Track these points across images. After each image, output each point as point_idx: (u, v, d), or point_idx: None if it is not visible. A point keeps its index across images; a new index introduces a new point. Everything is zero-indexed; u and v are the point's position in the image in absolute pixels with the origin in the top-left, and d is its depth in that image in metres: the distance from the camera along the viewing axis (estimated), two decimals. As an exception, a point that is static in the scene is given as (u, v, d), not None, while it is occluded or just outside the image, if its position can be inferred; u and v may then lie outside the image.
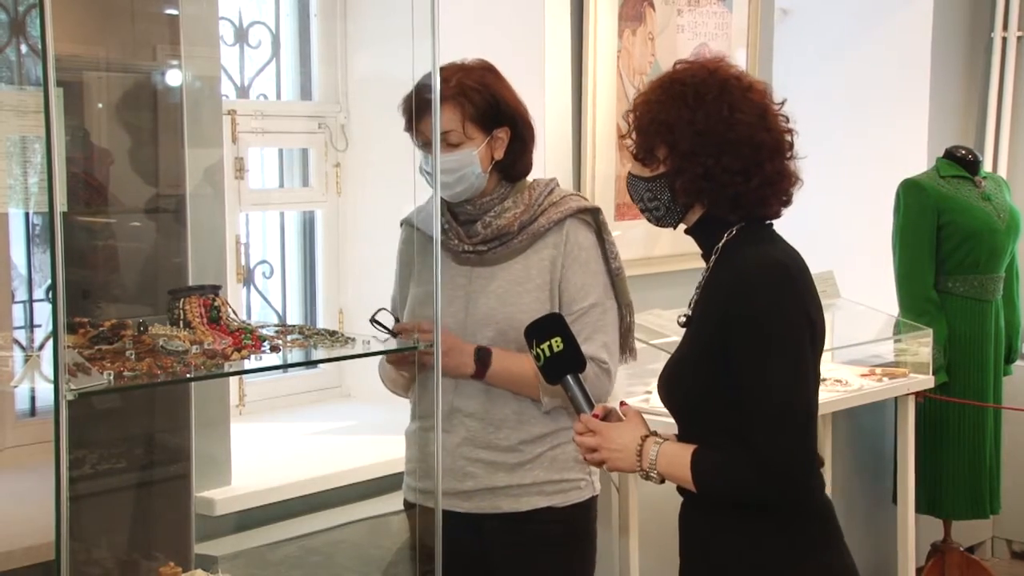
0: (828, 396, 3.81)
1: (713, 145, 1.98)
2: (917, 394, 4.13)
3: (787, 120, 2.06)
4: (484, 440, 2.48)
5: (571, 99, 3.55)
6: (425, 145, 2.43)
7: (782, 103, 2.07)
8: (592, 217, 2.51)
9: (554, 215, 2.48)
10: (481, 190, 2.46)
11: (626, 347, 2.57)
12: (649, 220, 2.11)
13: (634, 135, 2.07)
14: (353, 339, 2.44)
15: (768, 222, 2.07)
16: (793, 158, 2.05)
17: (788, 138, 2.05)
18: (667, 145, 2.01)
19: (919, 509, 4.32)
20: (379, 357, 2.56)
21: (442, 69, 2.42)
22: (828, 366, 4.11)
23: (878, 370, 4.12)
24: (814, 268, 4.64)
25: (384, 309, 2.48)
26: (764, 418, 1.91)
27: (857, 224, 4.92)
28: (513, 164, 2.49)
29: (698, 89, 2.00)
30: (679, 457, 1.98)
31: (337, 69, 3.62)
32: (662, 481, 2.03)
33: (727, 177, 1.98)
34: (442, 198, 2.50)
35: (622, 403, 2.13)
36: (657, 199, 2.05)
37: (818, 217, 4.93)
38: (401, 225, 2.66)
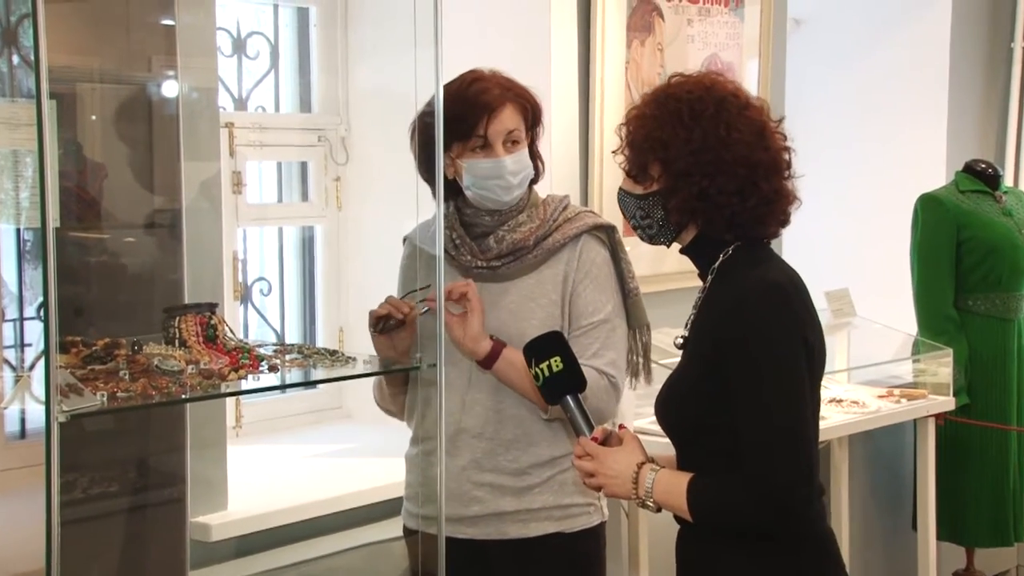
0: (844, 418, 3.80)
1: (709, 165, 1.98)
2: (937, 416, 4.12)
3: (785, 138, 2.06)
4: (491, 463, 2.48)
5: (578, 111, 3.56)
6: (485, 147, 2.44)
7: (780, 120, 2.08)
8: (607, 235, 2.52)
9: (569, 231, 2.49)
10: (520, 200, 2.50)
11: (643, 369, 2.58)
12: (641, 238, 2.12)
13: (626, 151, 2.07)
14: (354, 358, 2.45)
15: (765, 240, 2.07)
16: (791, 177, 2.06)
17: (786, 156, 2.05)
18: (661, 163, 2.02)
19: (940, 536, 4.30)
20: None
21: (473, 73, 2.47)
22: (844, 387, 4.11)
23: (896, 391, 4.11)
24: (828, 285, 4.63)
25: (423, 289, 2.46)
26: (758, 444, 1.91)
27: (873, 240, 4.92)
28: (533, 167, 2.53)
29: (694, 106, 2.00)
30: (675, 485, 1.99)
31: (337, 80, 3.63)
32: (659, 510, 2.03)
33: (723, 198, 1.99)
34: (449, 212, 2.51)
35: (620, 426, 2.13)
36: (649, 217, 2.06)
37: (833, 233, 4.93)
38: (404, 241, 2.66)
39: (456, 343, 2.42)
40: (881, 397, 4.04)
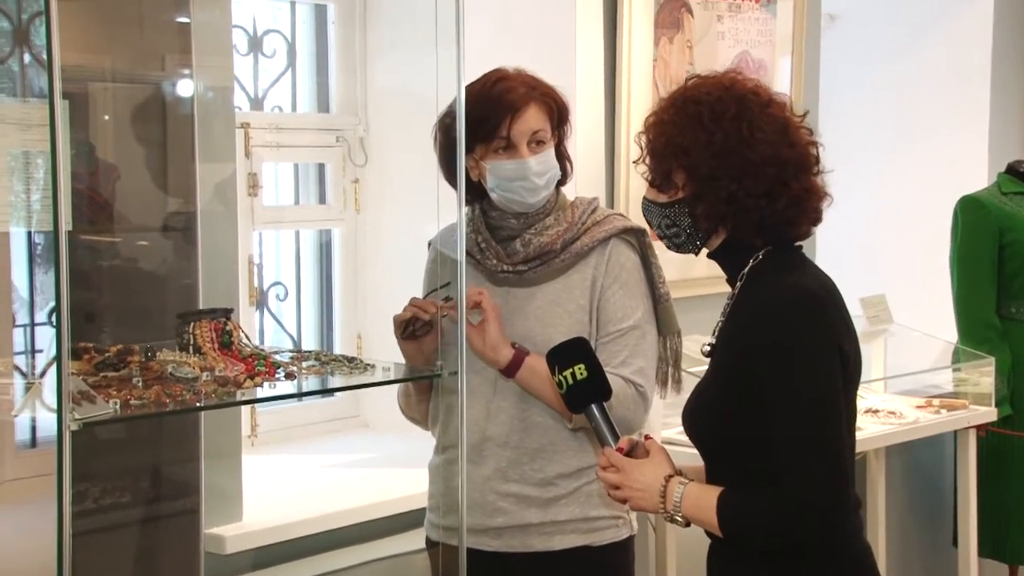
0: (881, 429, 3.78)
1: (734, 167, 1.98)
2: (978, 427, 4.09)
3: (811, 133, 2.06)
4: (516, 473, 2.48)
5: (604, 111, 3.56)
6: (508, 148, 2.46)
7: (804, 115, 2.07)
8: (637, 238, 2.52)
9: (597, 234, 2.50)
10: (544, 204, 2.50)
11: (672, 378, 2.57)
12: (668, 247, 2.11)
13: (648, 159, 2.07)
14: (372, 366, 2.45)
15: (797, 244, 2.07)
16: (820, 173, 2.05)
17: (813, 151, 2.04)
18: (685, 169, 2.01)
19: (982, 552, 4.27)
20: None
21: (497, 72, 2.47)
22: (881, 397, 4.09)
23: (935, 401, 4.09)
24: (864, 291, 4.61)
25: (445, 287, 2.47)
26: (791, 458, 1.90)
27: (911, 244, 4.90)
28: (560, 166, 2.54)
29: (714, 108, 2.00)
30: (704, 500, 1.98)
31: (356, 79, 3.64)
32: (687, 524, 2.03)
33: (751, 200, 1.98)
34: (474, 215, 2.52)
35: (647, 436, 2.13)
36: (676, 225, 2.05)
37: (869, 236, 4.91)
38: (428, 246, 2.67)
39: (476, 353, 2.43)
40: (919, 407, 4.02)
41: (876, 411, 3.91)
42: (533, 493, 2.48)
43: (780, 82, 4.04)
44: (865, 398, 4.06)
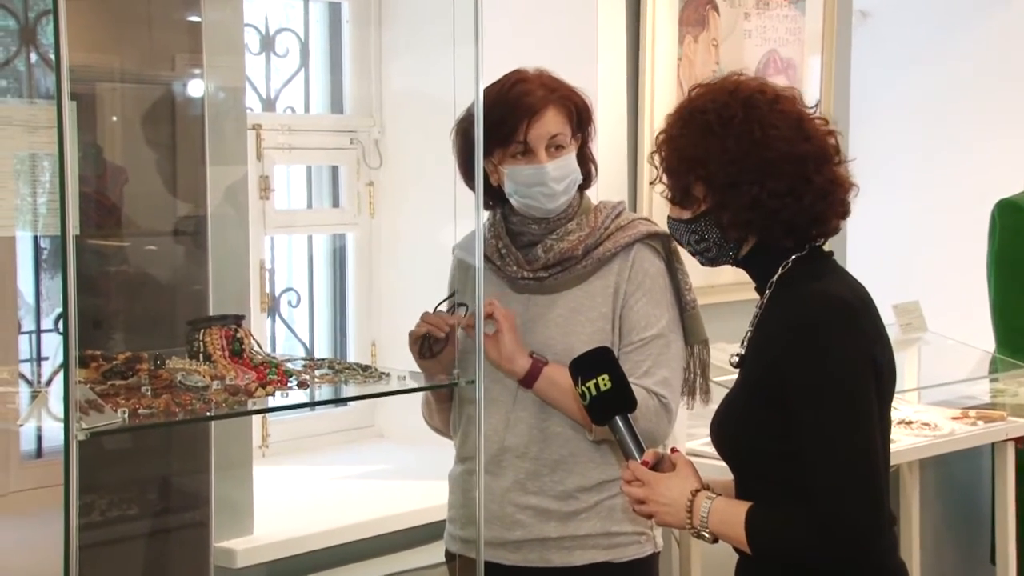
0: (915, 442, 3.77)
1: (753, 170, 1.98)
2: (1017, 440, 4.07)
3: (826, 122, 2.06)
4: (535, 485, 2.49)
5: (626, 113, 3.56)
6: (526, 153, 2.46)
7: (816, 106, 2.07)
8: (661, 244, 2.52)
9: (621, 239, 2.50)
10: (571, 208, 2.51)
11: (700, 388, 2.57)
12: (701, 263, 2.11)
13: (664, 178, 2.07)
14: (387, 374, 2.46)
15: (828, 251, 2.07)
16: (843, 163, 2.05)
17: (832, 141, 2.04)
18: (703, 181, 2.01)
19: (1021, 570, 4.25)
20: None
21: (517, 73, 2.47)
22: (915, 408, 4.07)
23: (972, 413, 4.07)
24: (897, 298, 4.58)
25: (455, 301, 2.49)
26: (823, 472, 1.90)
27: (947, 249, 4.89)
28: (582, 168, 2.53)
29: (721, 114, 2.00)
30: (732, 515, 1.97)
31: (371, 80, 3.66)
32: (715, 540, 2.02)
33: (776, 201, 1.98)
34: (495, 220, 2.53)
35: (673, 449, 2.12)
36: (705, 240, 2.06)
37: (902, 241, 4.90)
38: (453, 251, 2.68)
39: (493, 364, 2.44)
40: (955, 419, 4.01)
41: (910, 423, 3.89)
42: (553, 506, 2.48)
43: (810, 82, 4.04)
44: (898, 409, 4.04)
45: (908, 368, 4.21)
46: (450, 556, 2.62)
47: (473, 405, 2.41)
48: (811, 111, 2.05)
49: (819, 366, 1.92)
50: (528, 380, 2.43)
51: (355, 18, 3.64)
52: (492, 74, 2.48)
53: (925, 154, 4.94)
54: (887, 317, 4.25)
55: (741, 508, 1.98)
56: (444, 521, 2.66)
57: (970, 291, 4.55)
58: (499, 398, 2.48)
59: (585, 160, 2.55)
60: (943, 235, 4.91)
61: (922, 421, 3.91)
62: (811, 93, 4.09)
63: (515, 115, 2.44)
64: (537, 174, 2.45)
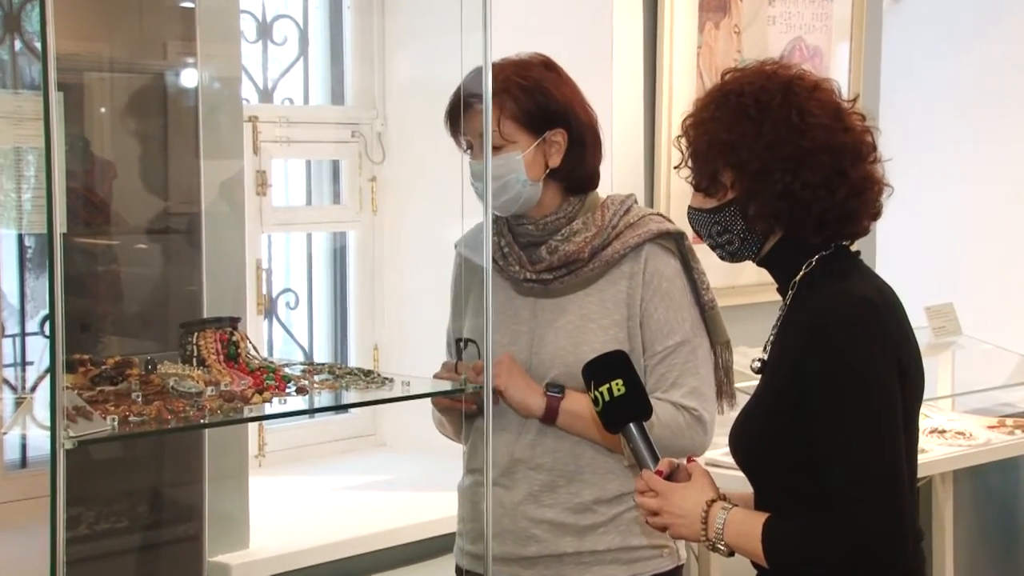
0: (948, 451, 3.76)
1: (788, 158, 1.98)
2: (1056, 450, 4.07)
3: (864, 118, 2.06)
4: (550, 497, 2.49)
5: (643, 103, 3.56)
6: (468, 150, 2.49)
7: (854, 99, 2.07)
8: (675, 243, 2.50)
9: (631, 239, 2.48)
10: (534, 202, 2.48)
11: (724, 392, 2.57)
12: (721, 257, 2.11)
13: (690, 162, 2.07)
14: (390, 380, 2.46)
15: (855, 250, 2.07)
16: (877, 161, 2.05)
17: (869, 139, 2.05)
18: (733, 167, 2.01)
19: (1059, 587, 4.25)
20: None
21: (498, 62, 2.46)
22: (948, 416, 4.07)
23: (1009, 421, 4.07)
24: (930, 299, 4.56)
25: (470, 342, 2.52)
26: (844, 482, 1.90)
27: (982, 247, 4.87)
28: (572, 172, 2.50)
29: (759, 97, 2.00)
30: (749, 527, 1.98)
31: (374, 69, 3.66)
32: (731, 554, 2.02)
33: (808, 192, 1.98)
34: (498, 217, 2.53)
35: (689, 459, 2.13)
36: (729, 231, 2.05)
37: (935, 239, 4.89)
38: (455, 247, 2.68)
39: (511, 406, 2.46)
40: (991, 428, 4.00)
41: (943, 431, 3.88)
42: (568, 520, 2.48)
43: (837, 71, 4.03)
44: (931, 417, 4.04)
45: (941, 374, 4.21)
46: (460, 572, 2.63)
47: (478, 414, 2.42)
48: (849, 104, 2.06)
49: (839, 367, 1.92)
50: (547, 419, 2.45)
51: (357, 4, 3.65)
52: (501, 64, 2.48)
53: (959, 147, 4.92)
54: (919, 320, 4.27)
55: (758, 519, 1.98)
56: (450, 534, 2.66)
57: (1008, 292, 4.55)
58: (507, 410, 2.49)
59: (580, 161, 2.50)
60: (978, 232, 4.90)
61: (956, 430, 3.90)
62: (840, 82, 4.08)
63: (454, 106, 2.46)
64: (473, 169, 2.47)
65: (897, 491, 1.91)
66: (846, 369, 1.91)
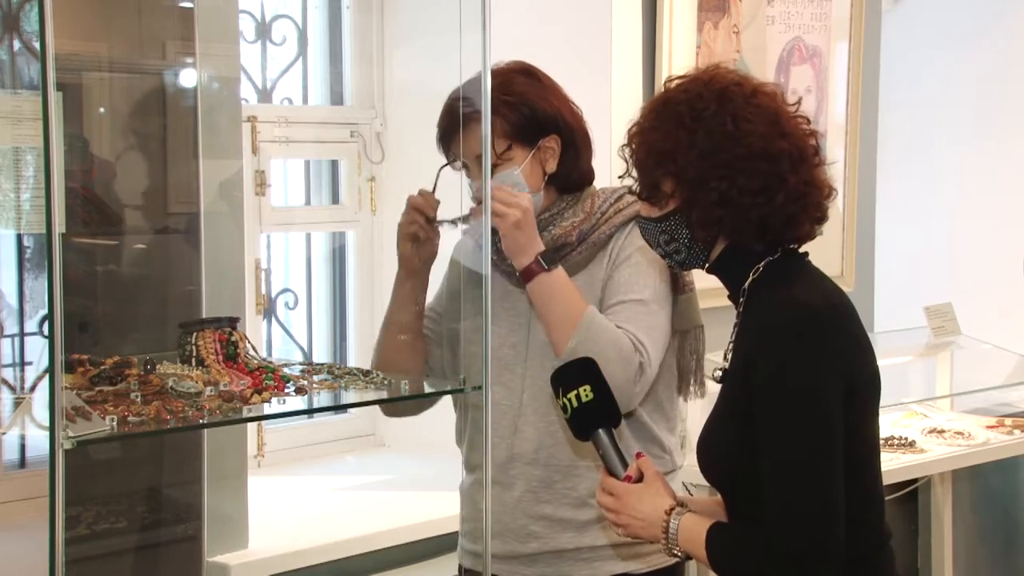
0: (947, 451, 3.77)
1: (723, 166, 1.98)
2: (1056, 450, 4.07)
3: (808, 122, 2.06)
4: (548, 493, 2.49)
5: (642, 103, 3.55)
6: (465, 170, 2.49)
7: (797, 103, 2.07)
8: None
9: (616, 220, 2.50)
10: (538, 209, 2.49)
11: (696, 379, 2.56)
12: (671, 266, 2.14)
13: (634, 172, 2.08)
14: (390, 380, 2.46)
15: (803, 252, 2.07)
16: (821, 165, 2.05)
17: (811, 142, 2.05)
18: (672, 176, 2.02)
19: (1058, 587, 4.25)
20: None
21: (470, 82, 2.45)
22: (947, 416, 4.07)
23: (1008, 421, 4.07)
24: (929, 299, 4.54)
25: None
26: (777, 497, 1.91)
27: (982, 247, 4.87)
28: (568, 175, 2.51)
29: (694, 105, 2.01)
30: (696, 533, 2.00)
31: (373, 69, 3.66)
32: (688, 558, 2.05)
33: (746, 199, 1.98)
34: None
35: (638, 454, 2.14)
36: (675, 240, 2.06)
37: (934, 240, 4.89)
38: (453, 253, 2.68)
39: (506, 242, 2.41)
40: (990, 427, 4.00)
41: (942, 431, 3.89)
42: (567, 515, 2.49)
43: (837, 71, 4.04)
44: (930, 417, 4.05)
45: (940, 374, 4.21)
46: (462, 571, 2.63)
47: (478, 411, 2.42)
48: (792, 108, 2.05)
49: (777, 374, 1.92)
50: (523, 278, 2.42)
51: (356, 4, 3.65)
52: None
53: (959, 147, 4.92)
54: (918, 319, 4.27)
55: (704, 525, 2.00)
56: (449, 534, 2.67)
57: (1007, 291, 4.54)
58: (502, 402, 2.49)
59: (575, 163, 2.50)
60: (978, 232, 4.89)
61: (955, 430, 3.90)
62: (838, 82, 4.09)
63: (447, 126, 2.47)
64: (473, 191, 2.47)
65: (827, 505, 1.90)
66: (785, 379, 1.92)
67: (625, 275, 2.46)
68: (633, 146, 2.07)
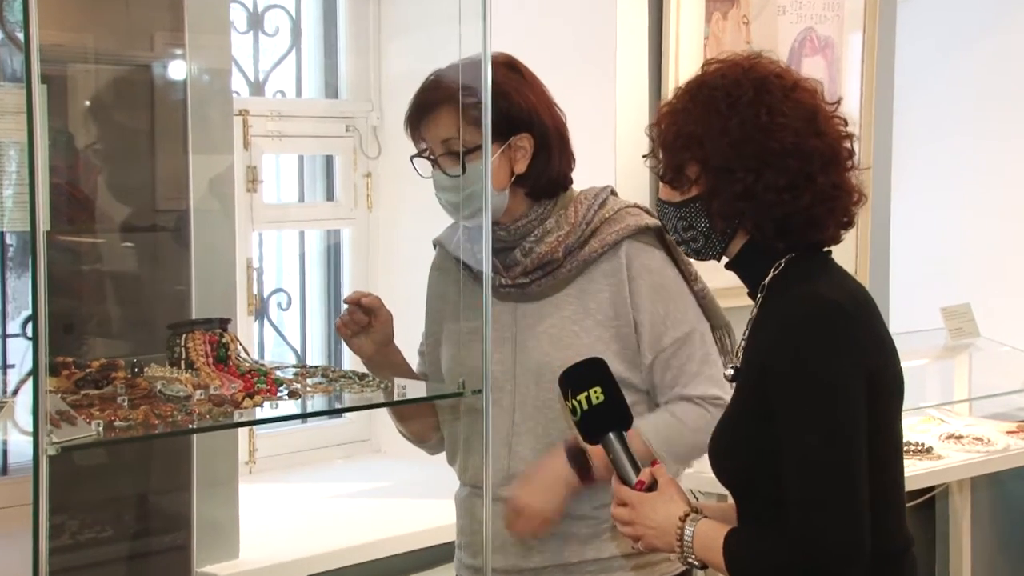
0: (965, 458, 3.77)
1: (752, 157, 1.98)
2: (1078, 456, 4.07)
3: (845, 123, 2.06)
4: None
5: (648, 97, 3.56)
6: (431, 157, 2.47)
7: (836, 103, 2.07)
8: (655, 237, 2.49)
9: (608, 236, 2.47)
10: (501, 210, 2.47)
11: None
12: (687, 253, 2.13)
13: (659, 153, 2.08)
14: (386, 384, 2.46)
15: (826, 250, 2.06)
16: (854, 169, 2.04)
17: (847, 145, 2.04)
18: (698, 162, 2.02)
19: (1080, 598, 4.25)
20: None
21: (449, 68, 2.46)
22: (965, 421, 4.07)
23: (1028, 426, 4.08)
24: (946, 300, 4.55)
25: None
26: (803, 498, 1.90)
27: (1000, 245, 4.87)
28: (538, 178, 2.48)
29: (730, 92, 2.00)
30: (713, 539, 1.99)
31: (369, 61, 3.66)
32: (704, 567, 2.03)
33: (771, 195, 1.98)
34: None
35: (653, 461, 2.14)
36: (693, 228, 2.06)
37: (951, 237, 4.89)
38: (434, 245, 2.68)
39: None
40: (1010, 433, 4.00)
41: (960, 437, 3.88)
42: (572, 529, 2.49)
43: (850, 63, 4.03)
44: (947, 422, 4.04)
45: (958, 377, 4.21)
46: (459, 585, 2.63)
47: (472, 418, 2.41)
48: (831, 108, 2.05)
49: (802, 371, 1.92)
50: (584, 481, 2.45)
51: (351, -7, 3.66)
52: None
53: (976, 141, 4.92)
54: (935, 321, 4.27)
55: (722, 531, 1.99)
56: (447, 543, 2.67)
57: (1026, 293, 4.55)
58: (495, 421, 2.46)
59: (546, 166, 2.47)
60: (996, 230, 4.89)
61: (974, 435, 3.90)
62: (852, 75, 4.09)
63: (413, 110, 2.46)
64: (437, 182, 2.47)
65: (853, 505, 1.90)
66: (809, 374, 1.91)
67: (660, 308, 2.46)
68: (662, 126, 2.06)
